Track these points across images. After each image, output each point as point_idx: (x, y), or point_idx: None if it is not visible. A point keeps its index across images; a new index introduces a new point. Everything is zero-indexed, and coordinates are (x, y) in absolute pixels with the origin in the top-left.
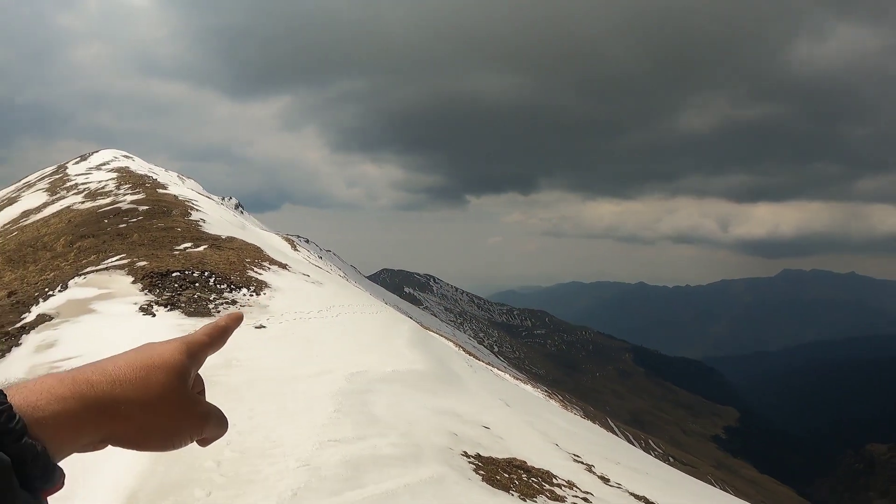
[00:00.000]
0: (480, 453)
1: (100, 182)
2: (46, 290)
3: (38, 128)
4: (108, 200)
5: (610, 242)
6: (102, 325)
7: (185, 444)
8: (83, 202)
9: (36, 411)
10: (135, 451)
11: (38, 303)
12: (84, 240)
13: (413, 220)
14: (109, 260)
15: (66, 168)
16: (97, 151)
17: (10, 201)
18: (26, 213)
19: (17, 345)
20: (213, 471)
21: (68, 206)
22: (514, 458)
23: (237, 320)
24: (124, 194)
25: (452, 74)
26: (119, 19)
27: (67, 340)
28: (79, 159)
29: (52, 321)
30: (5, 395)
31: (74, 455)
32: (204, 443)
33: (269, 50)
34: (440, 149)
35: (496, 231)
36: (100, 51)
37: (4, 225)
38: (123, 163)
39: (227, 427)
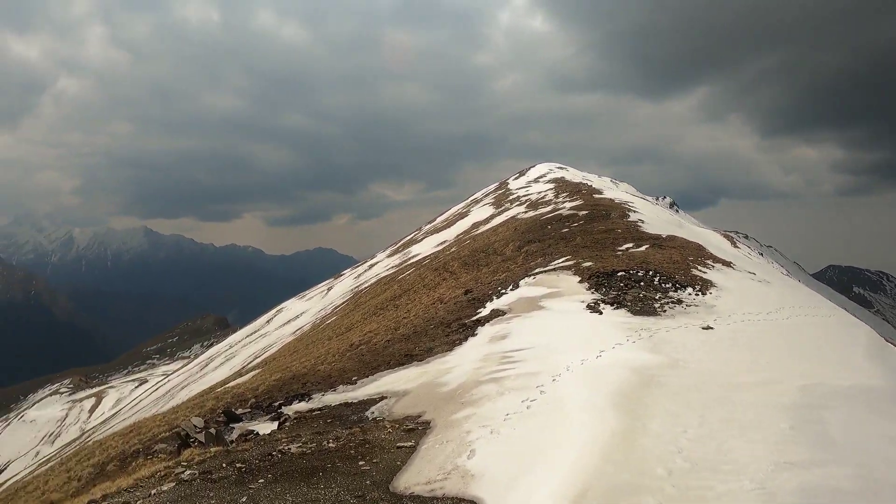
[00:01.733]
0: None
1: (539, 193)
2: (499, 288)
3: (476, 152)
4: (548, 208)
5: None
6: (552, 321)
7: None
8: (526, 211)
9: None
10: (584, 449)
11: (491, 300)
12: (530, 244)
13: (859, 206)
14: (556, 262)
15: (508, 183)
16: (533, 166)
17: (462, 216)
18: (476, 225)
19: (474, 335)
20: (663, 479)
21: (513, 216)
22: None
23: None
24: (563, 202)
25: (882, 21)
26: (528, 49)
27: (519, 333)
28: (517, 175)
29: (505, 316)
30: None
31: (520, 444)
32: None
33: (670, 42)
34: (881, 117)
35: None
36: (517, 79)
37: (458, 235)
38: (558, 174)
39: None
